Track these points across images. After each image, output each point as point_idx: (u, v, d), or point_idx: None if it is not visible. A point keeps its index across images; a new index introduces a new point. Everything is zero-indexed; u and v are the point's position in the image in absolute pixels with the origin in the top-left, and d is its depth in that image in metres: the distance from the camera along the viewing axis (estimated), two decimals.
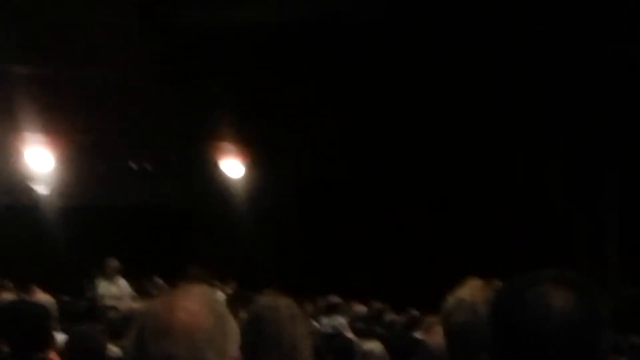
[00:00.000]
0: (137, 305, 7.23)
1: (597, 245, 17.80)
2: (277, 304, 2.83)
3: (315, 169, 18.26)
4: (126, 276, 13.59)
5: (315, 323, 10.97)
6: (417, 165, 17.44)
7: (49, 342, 4.54)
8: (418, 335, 9.33)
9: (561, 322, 1.60)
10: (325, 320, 11.09)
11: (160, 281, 13.77)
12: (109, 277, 11.01)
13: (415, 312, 11.22)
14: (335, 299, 11.82)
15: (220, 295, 11.44)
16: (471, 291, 2.61)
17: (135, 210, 17.74)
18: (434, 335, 2.89)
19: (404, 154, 17.57)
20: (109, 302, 9.71)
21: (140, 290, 12.54)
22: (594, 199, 17.83)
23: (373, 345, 6.50)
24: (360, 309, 12.34)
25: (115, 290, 11.01)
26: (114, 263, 11.05)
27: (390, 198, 18.02)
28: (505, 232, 16.32)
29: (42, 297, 6.61)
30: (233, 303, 8.06)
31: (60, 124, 16.90)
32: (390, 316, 11.06)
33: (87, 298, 10.18)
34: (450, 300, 2.65)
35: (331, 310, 11.51)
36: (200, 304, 1.94)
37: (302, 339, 2.80)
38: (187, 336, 1.86)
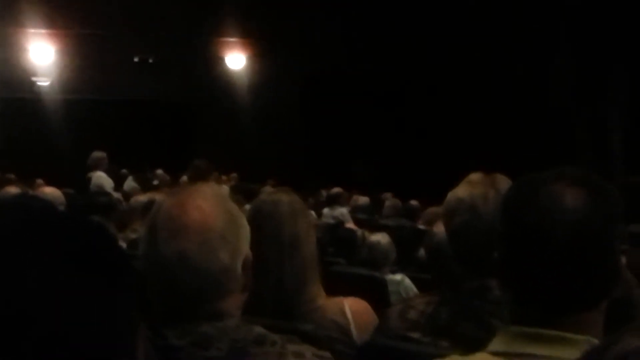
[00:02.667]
0: (141, 197, 7.24)
1: (601, 137, 17.80)
2: (278, 198, 2.80)
3: (317, 61, 18.15)
4: (130, 169, 13.67)
5: (315, 214, 11.06)
6: (422, 58, 17.33)
7: None
8: (420, 225, 9.45)
9: (573, 220, 1.59)
10: (326, 211, 11.16)
11: (162, 173, 13.83)
12: (103, 169, 10.96)
13: (414, 203, 11.30)
14: (336, 189, 11.86)
15: (225, 189, 11.51)
16: (471, 189, 2.57)
17: (137, 104, 17.74)
18: (439, 227, 2.89)
19: (408, 45, 17.43)
20: (113, 195, 9.71)
21: (143, 182, 12.59)
22: (598, 92, 17.77)
23: (379, 237, 6.53)
24: (362, 199, 12.40)
25: (111, 183, 10.99)
26: (100, 155, 10.99)
27: (393, 90, 17.98)
28: (510, 125, 16.31)
29: (48, 190, 6.60)
30: (235, 196, 8.12)
31: (63, 17, 16.78)
32: (392, 201, 11.09)
33: (98, 192, 10.19)
34: (450, 199, 2.63)
35: (332, 200, 11.56)
36: (213, 202, 1.94)
37: (304, 235, 2.78)
38: (200, 234, 1.86)
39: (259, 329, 1.88)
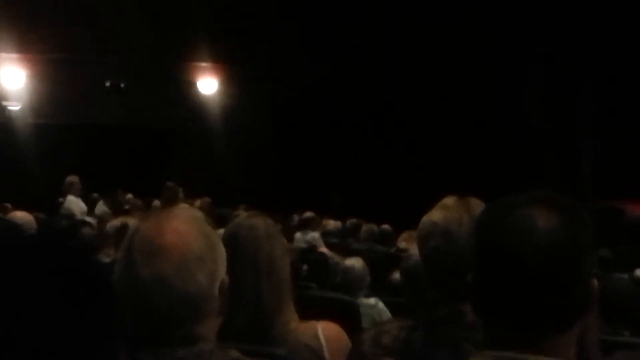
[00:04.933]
0: (114, 222, 7.22)
1: (571, 161, 17.93)
2: (254, 222, 2.82)
3: (290, 85, 18.17)
4: (101, 193, 13.62)
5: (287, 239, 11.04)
6: (394, 83, 17.41)
7: None
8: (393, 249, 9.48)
9: (545, 243, 1.60)
10: (298, 235, 11.15)
11: (132, 197, 13.78)
12: (75, 193, 10.94)
13: (387, 227, 11.32)
14: (308, 214, 11.86)
15: (200, 213, 11.48)
16: (445, 213, 2.59)
17: (109, 128, 17.70)
18: (415, 250, 2.90)
19: (381, 70, 17.50)
20: (81, 218, 9.68)
21: (114, 206, 12.55)
22: (568, 116, 17.91)
23: (354, 261, 6.55)
24: (334, 223, 12.40)
25: (83, 207, 10.96)
26: (73, 179, 10.96)
27: (366, 115, 18.03)
28: (481, 148, 16.38)
29: (19, 214, 6.57)
30: (207, 220, 8.11)
31: (34, 42, 16.72)
32: (367, 226, 11.10)
33: (64, 215, 10.16)
34: (424, 223, 2.64)
35: (304, 225, 11.55)
36: (190, 225, 1.94)
37: (280, 258, 2.80)
38: (178, 257, 1.86)
39: (234, 354, 1.89)
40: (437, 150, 16.85)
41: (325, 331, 2.75)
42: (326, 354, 2.71)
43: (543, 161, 17.07)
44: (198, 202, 13.04)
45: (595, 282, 1.69)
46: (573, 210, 1.68)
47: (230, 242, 2.70)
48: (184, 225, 1.92)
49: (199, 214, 2.06)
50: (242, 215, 2.88)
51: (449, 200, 2.66)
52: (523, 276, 1.61)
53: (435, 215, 2.62)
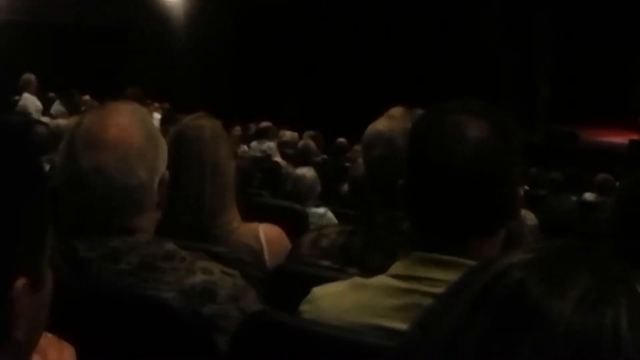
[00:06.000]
0: (66, 120, 7.17)
1: (528, 84, 18.02)
2: (201, 123, 2.82)
3: None
4: (58, 93, 13.48)
5: (245, 147, 11.04)
6: None
7: None
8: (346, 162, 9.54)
9: (473, 150, 1.63)
10: (254, 144, 11.14)
11: (89, 99, 13.66)
12: (31, 91, 10.81)
13: (342, 140, 11.37)
14: (265, 123, 11.83)
15: (155, 116, 11.42)
16: (389, 122, 2.61)
17: (69, 28, 17.41)
18: (357, 165, 2.93)
19: None
20: (36, 117, 9.59)
21: (70, 107, 12.44)
22: (527, 39, 17.94)
23: (305, 170, 6.57)
24: (290, 134, 12.40)
25: (39, 105, 10.84)
26: (29, 77, 10.82)
27: (327, 25, 17.90)
28: (437, 65, 16.36)
29: None
30: (166, 123, 8.07)
31: None
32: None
33: (19, 112, 10.07)
34: (369, 132, 2.67)
35: (261, 134, 11.53)
36: (132, 119, 1.96)
37: (225, 160, 2.81)
38: (118, 149, 1.89)
39: (169, 245, 1.92)
40: (395, 67, 16.80)
41: (266, 232, 2.80)
42: (266, 255, 2.75)
43: (501, 85, 17.12)
44: (157, 105, 12.98)
45: (520, 190, 1.74)
46: (502, 120, 1.71)
47: (176, 142, 2.72)
48: (127, 120, 1.95)
49: (142, 110, 2.07)
50: (190, 117, 2.88)
51: (396, 111, 2.69)
52: (450, 182, 1.65)
53: (380, 124, 2.66)
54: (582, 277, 0.85)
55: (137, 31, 18.35)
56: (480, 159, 1.64)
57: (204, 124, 2.84)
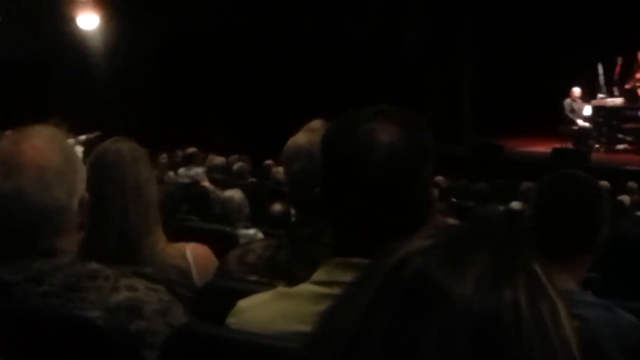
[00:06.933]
0: None
1: (451, 96, 18.22)
2: (120, 146, 2.83)
3: (174, 21, 17.90)
4: None
5: (172, 173, 11.01)
6: (277, 16, 17.34)
7: None
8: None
9: (385, 155, 1.66)
10: (182, 170, 11.12)
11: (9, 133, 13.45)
12: None
13: (269, 162, 11.40)
14: (192, 149, 11.81)
15: (78, 149, 11.31)
16: (309, 135, 2.64)
17: None
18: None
19: (267, 4, 17.42)
20: None
21: None
22: (450, 51, 18.16)
23: (233, 192, 6.58)
24: (218, 159, 12.39)
25: None
26: None
27: (249, 50, 17.92)
28: (362, 80, 16.39)
29: None
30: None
31: None
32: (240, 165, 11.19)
33: None
34: (289, 146, 2.69)
35: (188, 160, 11.51)
36: (49, 142, 1.97)
37: (147, 181, 2.82)
38: (36, 172, 1.89)
39: (93, 265, 1.92)
40: (319, 83, 16.80)
41: (193, 251, 2.81)
42: (194, 274, 2.77)
43: (426, 99, 17.26)
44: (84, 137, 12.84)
45: (434, 191, 1.78)
46: (414, 123, 1.75)
47: (97, 166, 2.72)
48: (43, 142, 1.95)
49: (59, 132, 2.07)
50: (108, 140, 2.88)
51: (315, 124, 2.71)
52: (364, 186, 1.68)
53: (300, 137, 2.68)
54: (482, 259, 0.89)
55: (59, 64, 18.15)
56: (392, 163, 1.67)
57: (122, 146, 2.84)
